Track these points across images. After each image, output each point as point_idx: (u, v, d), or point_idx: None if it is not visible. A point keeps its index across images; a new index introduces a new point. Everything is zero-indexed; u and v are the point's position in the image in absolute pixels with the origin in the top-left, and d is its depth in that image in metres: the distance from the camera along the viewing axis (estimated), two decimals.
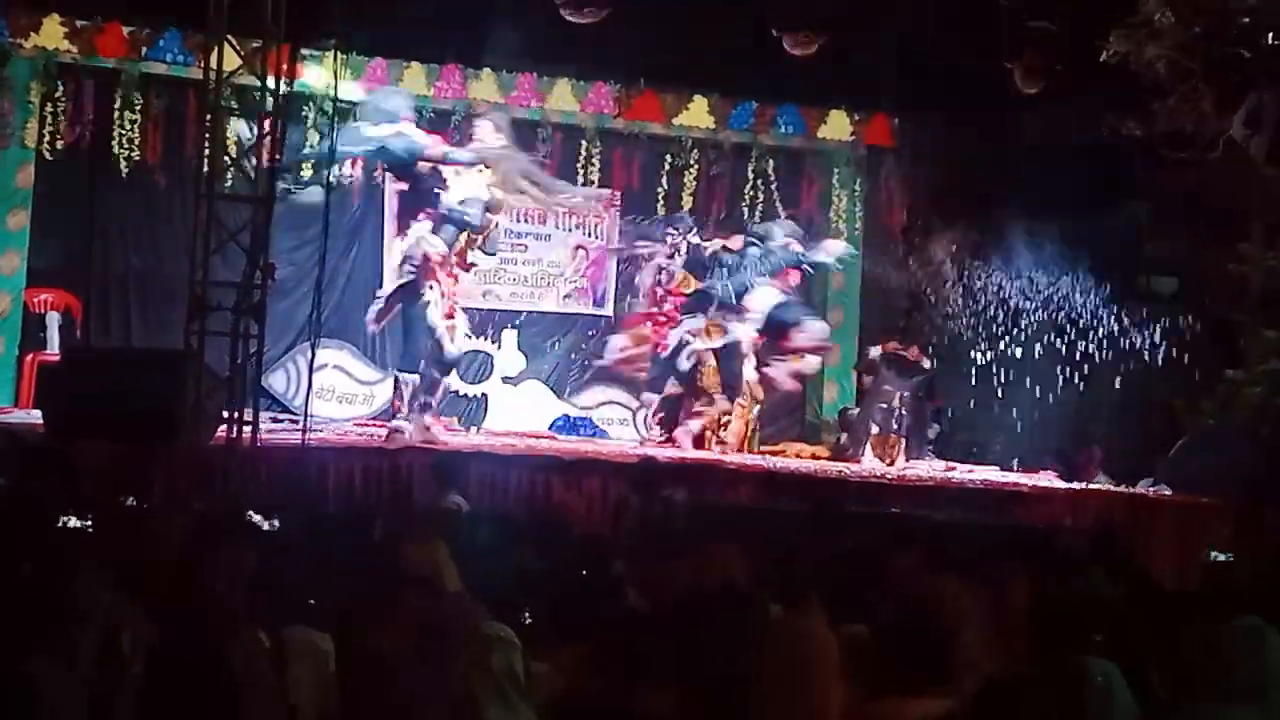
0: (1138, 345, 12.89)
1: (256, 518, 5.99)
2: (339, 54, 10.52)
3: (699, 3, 11.94)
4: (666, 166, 14.00)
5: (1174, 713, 4.07)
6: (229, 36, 9.49)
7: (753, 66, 12.91)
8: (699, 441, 12.33)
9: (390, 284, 11.46)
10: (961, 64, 11.91)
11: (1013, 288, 13.42)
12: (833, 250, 13.08)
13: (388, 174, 12.58)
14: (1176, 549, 9.82)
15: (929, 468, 12.35)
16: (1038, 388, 13.09)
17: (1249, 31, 11.05)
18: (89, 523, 5.65)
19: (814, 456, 12.95)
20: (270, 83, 9.40)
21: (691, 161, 14.06)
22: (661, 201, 13.89)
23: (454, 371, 11.56)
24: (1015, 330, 13.45)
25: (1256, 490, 10.24)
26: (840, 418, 13.75)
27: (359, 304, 12.60)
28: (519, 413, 13.28)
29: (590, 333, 14.03)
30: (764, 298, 12.38)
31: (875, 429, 12.68)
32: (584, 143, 13.70)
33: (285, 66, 9.40)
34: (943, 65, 12.00)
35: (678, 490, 8.75)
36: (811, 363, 12.78)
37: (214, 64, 9.41)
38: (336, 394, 13.01)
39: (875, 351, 13.30)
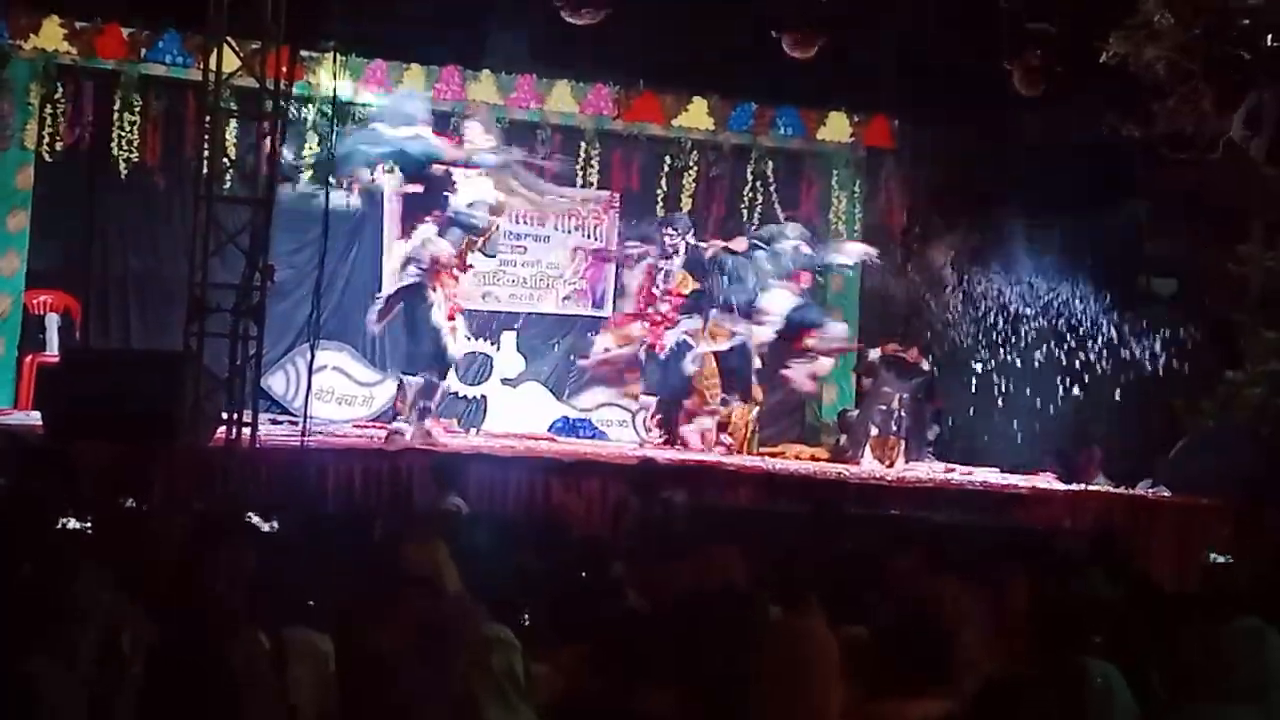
0: (1138, 355, 12.89)
1: (256, 519, 5.99)
2: (338, 55, 10.53)
3: (698, 4, 11.93)
4: (666, 168, 13.99)
5: (1174, 713, 4.07)
6: (228, 38, 9.49)
7: (752, 68, 12.91)
8: (706, 440, 12.33)
9: (390, 285, 11.47)
10: (961, 65, 11.90)
11: (1012, 292, 13.42)
12: (853, 252, 13.04)
13: (387, 176, 12.62)
14: (1176, 550, 9.82)
15: (928, 469, 12.36)
16: (1038, 389, 13.09)
17: (1249, 32, 11.05)
18: (89, 523, 5.64)
19: (813, 458, 12.96)
20: (270, 84, 9.41)
21: (691, 163, 14.05)
22: (661, 203, 13.88)
23: (453, 373, 11.57)
24: (1015, 334, 13.44)
25: (1256, 491, 10.24)
26: (840, 419, 13.75)
27: (358, 306, 12.61)
28: (518, 414, 13.27)
29: (589, 334, 14.02)
30: (780, 301, 12.39)
31: (875, 431, 12.70)
32: (583, 144, 13.69)
33: (285, 68, 9.40)
34: (943, 66, 12.00)
35: (677, 492, 8.75)
36: (825, 364, 12.81)
37: (213, 65, 9.42)
38: (336, 395, 13.00)
39: (874, 353, 13.30)
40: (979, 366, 13.45)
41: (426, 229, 10.83)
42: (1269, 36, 11.06)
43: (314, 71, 12.07)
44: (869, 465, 12.34)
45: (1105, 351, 13.02)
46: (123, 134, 12.51)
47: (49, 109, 12.39)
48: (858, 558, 5.99)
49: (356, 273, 13.31)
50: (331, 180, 10.54)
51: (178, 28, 12.26)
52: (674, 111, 13.83)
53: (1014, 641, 4.73)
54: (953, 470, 12.36)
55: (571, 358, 13.73)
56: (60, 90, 12.40)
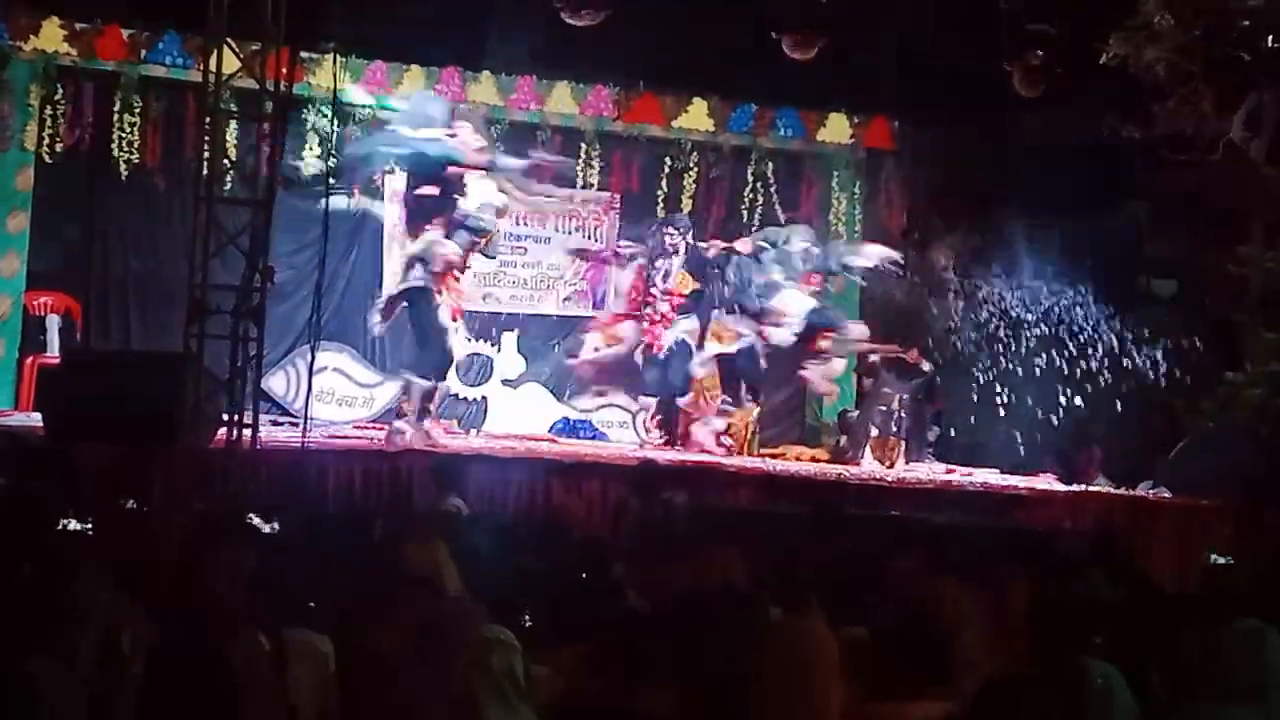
0: (1137, 356, 12.88)
1: (256, 519, 5.99)
2: (338, 57, 10.53)
3: (698, 5, 11.94)
4: (666, 169, 13.99)
5: (1174, 713, 4.07)
6: (228, 39, 9.50)
7: (752, 69, 12.91)
8: (720, 441, 12.34)
9: (391, 286, 11.46)
10: (961, 66, 11.91)
11: (1012, 294, 13.41)
12: (872, 255, 12.94)
13: (389, 177, 12.64)
14: (1176, 551, 9.81)
15: (928, 470, 12.35)
16: (1038, 390, 13.09)
17: (1249, 33, 11.06)
18: (89, 524, 5.65)
19: (814, 459, 12.95)
20: (270, 85, 9.41)
21: (691, 164, 14.05)
22: (661, 204, 13.88)
23: (453, 374, 11.57)
24: (1015, 337, 13.44)
25: (1256, 492, 10.23)
26: (840, 420, 13.75)
27: (359, 307, 12.61)
28: (519, 415, 13.26)
29: (583, 335, 14.00)
30: (797, 302, 12.37)
31: (875, 431, 12.69)
32: (583, 145, 13.69)
33: (285, 70, 9.40)
34: (943, 67, 12.00)
35: (678, 493, 8.74)
36: (839, 365, 12.81)
37: (213, 67, 9.42)
38: (336, 397, 13.00)
39: (875, 354, 13.30)
40: (979, 368, 13.44)
41: (433, 231, 10.84)
42: (1269, 38, 11.06)
43: (314, 72, 12.09)
44: (869, 466, 12.33)
45: (1104, 354, 13.01)
46: (123, 135, 12.51)
47: (49, 110, 12.39)
48: (858, 559, 5.98)
49: (357, 274, 13.31)
50: (334, 181, 10.57)
51: (178, 29, 12.27)
52: (674, 113, 13.83)
53: (1014, 642, 4.73)
54: (953, 471, 12.35)
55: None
56: (60, 91, 12.40)
